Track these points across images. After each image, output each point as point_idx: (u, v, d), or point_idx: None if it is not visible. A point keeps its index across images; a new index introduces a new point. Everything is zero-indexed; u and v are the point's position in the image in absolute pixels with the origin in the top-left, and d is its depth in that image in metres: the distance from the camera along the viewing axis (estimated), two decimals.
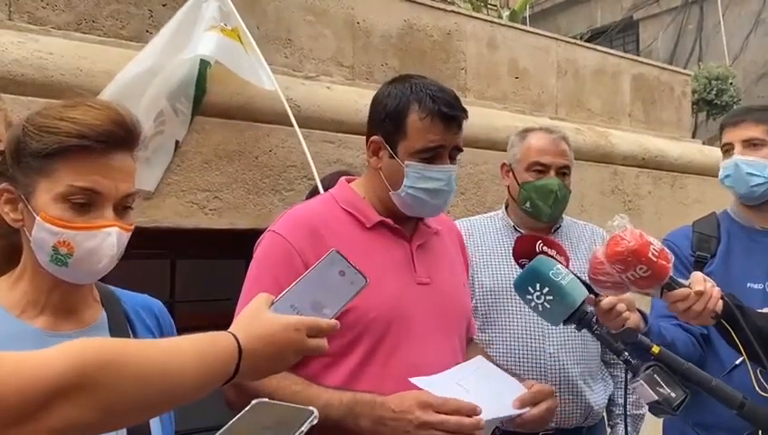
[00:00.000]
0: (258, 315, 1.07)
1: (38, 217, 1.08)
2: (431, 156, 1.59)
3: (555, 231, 2.30)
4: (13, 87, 2.30)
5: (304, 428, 0.91)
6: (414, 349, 1.58)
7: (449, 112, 1.58)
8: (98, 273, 1.14)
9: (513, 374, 2.09)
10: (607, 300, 1.69)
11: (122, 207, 1.13)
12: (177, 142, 2.62)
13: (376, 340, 1.54)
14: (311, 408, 0.96)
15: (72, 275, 1.12)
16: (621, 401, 2.24)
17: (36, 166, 1.09)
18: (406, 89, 1.62)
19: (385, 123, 1.62)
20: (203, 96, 2.64)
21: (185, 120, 2.62)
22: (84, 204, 1.08)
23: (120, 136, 1.11)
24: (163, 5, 2.82)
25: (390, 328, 1.56)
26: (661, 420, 2.16)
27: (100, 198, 1.09)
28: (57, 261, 1.09)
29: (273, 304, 1.09)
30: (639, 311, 1.80)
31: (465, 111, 1.64)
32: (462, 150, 1.66)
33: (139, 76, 2.47)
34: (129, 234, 1.15)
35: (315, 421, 0.93)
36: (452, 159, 1.63)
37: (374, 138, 1.65)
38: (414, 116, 1.58)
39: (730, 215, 2.22)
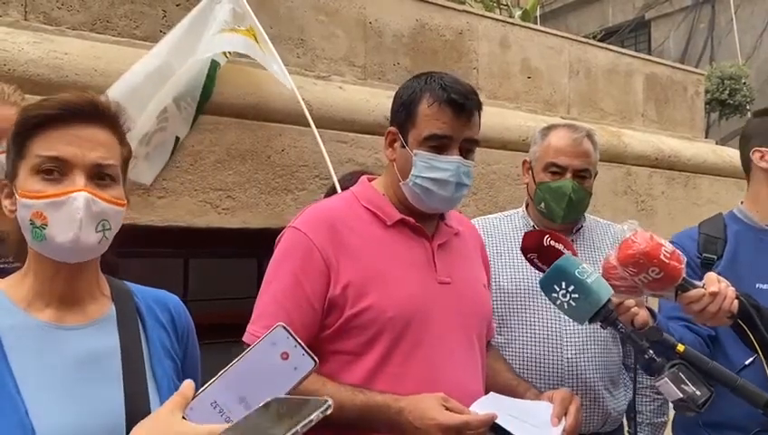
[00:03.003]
0: (158, 427, 0.98)
1: (17, 195, 1.12)
2: (439, 145, 1.58)
3: (577, 232, 2.22)
4: (28, 87, 2.31)
5: (314, 417, 0.89)
6: (434, 349, 1.57)
7: (458, 100, 1.57)
8: (77, 246, 1.10)
9: (528, 379, 2.07)
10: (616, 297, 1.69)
11: (99, 177, 1.13)
12: (177, 139, 2.64)
13: (394, 339, 1.54)
14: (325, 398, 0.92)
15: (55, 251, 1.11)
16: (641, 407, 2.20)
17: (14, 151, 1.14)
18: (421, 80, 1.65)
19: (399, 113, 1.65)
20: (208, 97, 2.67)
21: (188, 118, 2.64)
22: (55, 176, 1.10)
23: (82, 108, 1.13)
24: (177, 5, 2.83)
25: (409, 327, 1.55)
26: (671, 421, 2.15)
27: (69, 166, 1.11)
28: (36, 235, 1.10)
29: (191, 400, 0.98)
30: (648, 308, 1.79)
31: (478, 102, 1.63)
32: (478, 144, 1.66)
33: (147, 78, 2.47)
34: (113, 206, 1.14)
35: (330, 411, 0.89)
36: (465, 153, 1.61)
37: (390, 129, 1.68)
38: (423, 103, 1.60)
39: (737, 215, 2.16)
